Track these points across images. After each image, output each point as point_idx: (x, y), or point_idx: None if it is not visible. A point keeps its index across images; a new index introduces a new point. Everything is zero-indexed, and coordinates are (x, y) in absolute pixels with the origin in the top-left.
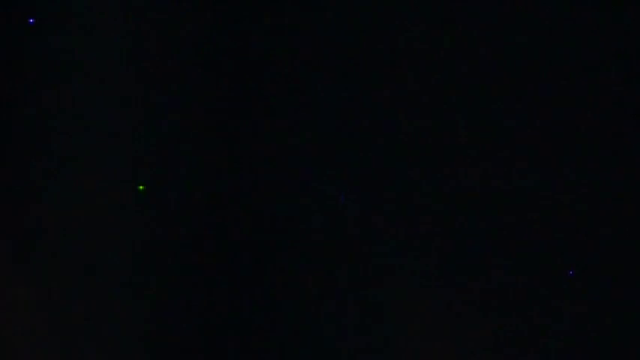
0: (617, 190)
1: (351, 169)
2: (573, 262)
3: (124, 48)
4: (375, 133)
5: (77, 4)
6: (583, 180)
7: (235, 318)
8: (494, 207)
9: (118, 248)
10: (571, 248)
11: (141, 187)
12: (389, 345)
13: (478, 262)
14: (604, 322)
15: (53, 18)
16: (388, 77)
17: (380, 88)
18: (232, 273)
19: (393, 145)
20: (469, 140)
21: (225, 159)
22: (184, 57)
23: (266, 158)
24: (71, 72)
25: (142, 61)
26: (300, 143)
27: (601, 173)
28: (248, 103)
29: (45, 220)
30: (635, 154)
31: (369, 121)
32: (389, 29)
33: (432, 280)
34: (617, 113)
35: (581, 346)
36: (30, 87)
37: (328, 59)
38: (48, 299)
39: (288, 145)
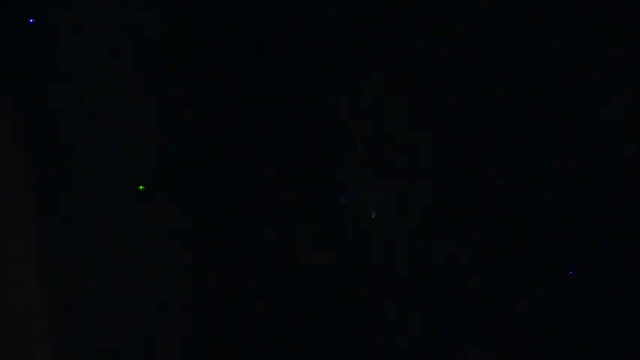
0: (617, 190)
1: (351, 169)
2: (573, 262)
3: (124, 48)
4: (375, 133)
5: (77, 4)
6: (583, 180)
7: (235, 319)
8: (494, 207)
9: (118, 248)
10: (571, 248)
11: (141, 187)
12: (388, 345)
13: (478, 261)
14: (604, 322)
15: (53, 18)
16: (389, 77)
17: (380, 88)
18: (232, 273)
19: (393, 145)
20: (469, 140)
21: (226, 159)
22: (184, 57)
23: (266, 158)
24: (71, 72)
25: (142, 60)
26: (301, 143)
27: (601, 173)
28: (248, 102)
29: (44, 219)
30: (635, 154)
31: (369, 121)
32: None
33: (432, 279)
34: (617, 113)
35: (581, 345)
36: (30, 87)
37: (329, 58)
38: (48, 299)
39: (288, 145)
